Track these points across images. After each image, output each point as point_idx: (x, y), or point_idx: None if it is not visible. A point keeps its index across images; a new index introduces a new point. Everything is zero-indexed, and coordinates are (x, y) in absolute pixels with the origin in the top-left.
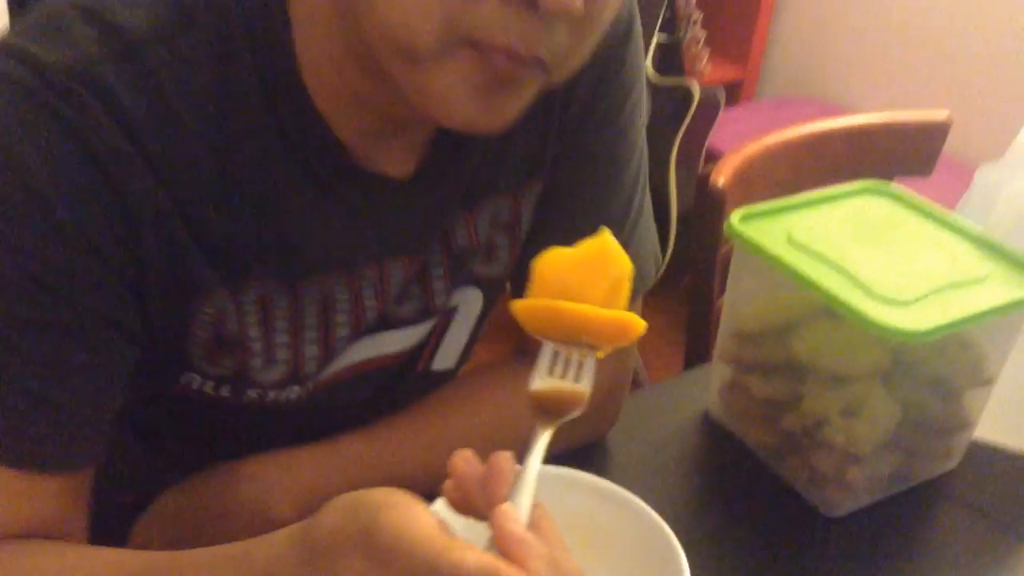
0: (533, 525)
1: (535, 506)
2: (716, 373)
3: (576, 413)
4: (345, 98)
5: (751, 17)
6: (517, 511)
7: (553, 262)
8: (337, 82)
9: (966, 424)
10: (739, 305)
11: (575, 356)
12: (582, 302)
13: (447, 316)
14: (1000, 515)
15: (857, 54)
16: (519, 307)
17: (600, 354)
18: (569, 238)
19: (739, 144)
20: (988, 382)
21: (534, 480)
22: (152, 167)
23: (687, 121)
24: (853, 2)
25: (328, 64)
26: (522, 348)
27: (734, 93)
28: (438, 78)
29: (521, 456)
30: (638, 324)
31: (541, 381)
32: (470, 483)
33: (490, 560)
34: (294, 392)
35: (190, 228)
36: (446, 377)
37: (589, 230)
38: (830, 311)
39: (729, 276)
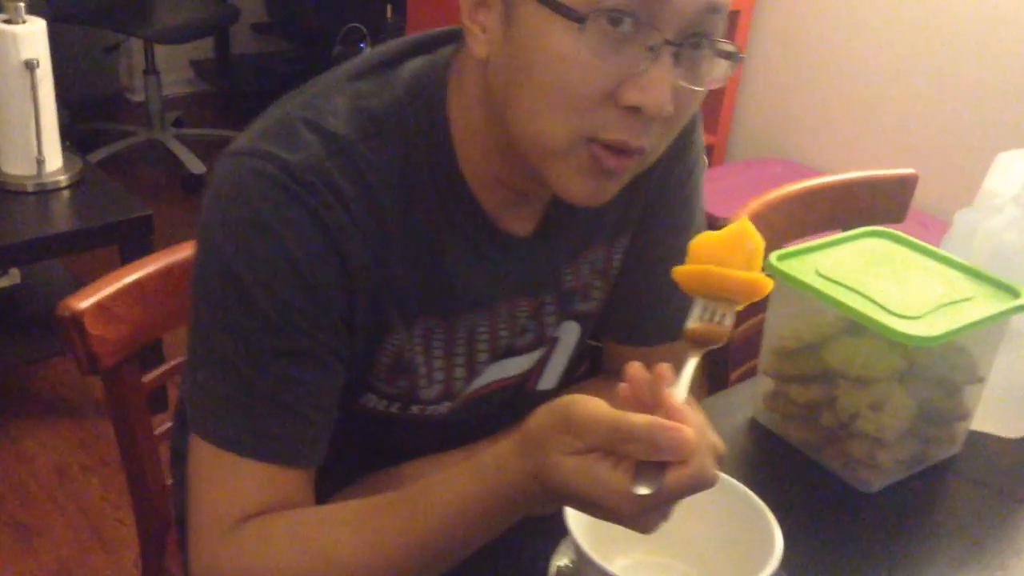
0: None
1: (688, 402)
2: (760, 385)
3: (717, 345)
4: (490, 179)
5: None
6: (678, 393)
7: (704, 240)
8: (484, 168)
9: (966, 415)
10: (778, 328)
11: (719, 309)
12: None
13: (551, 345)
14: (997, 485)
15: (815, 117)
16: (678, 272)
17: (739, 307)
18: (648, 279)
19: (715, 202)
20: (980, 380)
21: (687, 384)
22: (362, 235)
23: None
24: (811, 71)
25: (479, 155)
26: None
27: (707, 156)
28: (563, 169)
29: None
30: (767, 284)
31: (693, 323)
32: (641, 383)
33: (654, 419)
34: (445, 407)
35: (384, 279)
36: (548, 396)
37: (664, 273)
38: (854, 327)
39: (768, 305)
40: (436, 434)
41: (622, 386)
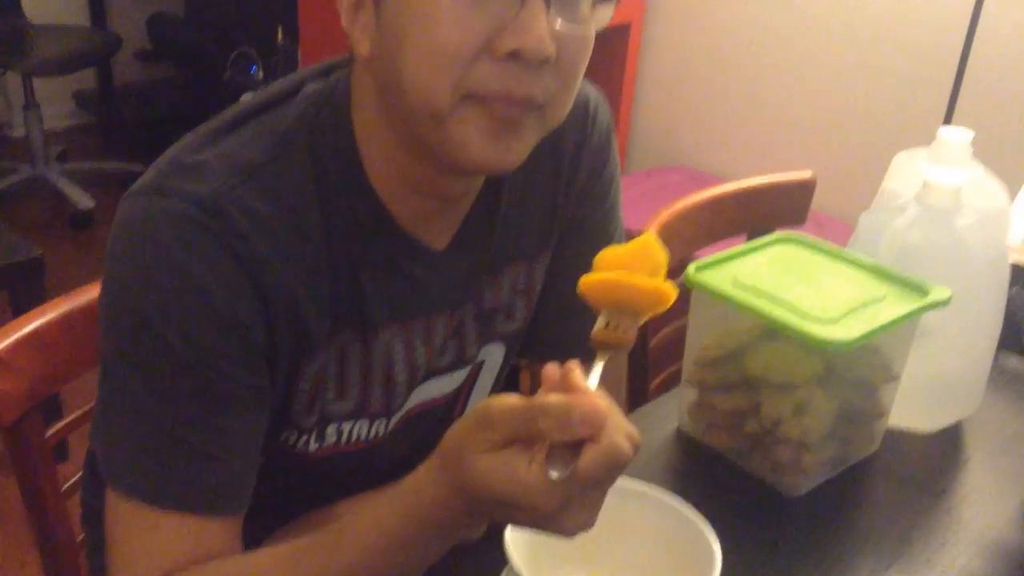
0: None
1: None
2: (684, 395)
3: (621, 352)
4: (400, 187)
5: (615, 99)
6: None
7: (610, 253)
8: (393, 172)
9: (883, 413)
10: (699, 337)
11: (623, 323)
12: None
13: (476, 368)
14: (917, 479)
15: (710, 124)
16: (585, 280)
17: (643, 320)
18: (572, 295)
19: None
20: (896, 378)
21: (596, 380)
22: (281, 258)
23: None
24: (704, 79)
25: (384, 162)
26: None
27: None
28: (456, 131)
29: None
30: (672, 293)
31: (598, 332)
32: (555, 381)
33: (564, 395)
34: (365, 430)
35: (305, 299)
36: None
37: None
38: (773, 333)
39: (689, 316)
40: (365, 468)
41: (541, 390)
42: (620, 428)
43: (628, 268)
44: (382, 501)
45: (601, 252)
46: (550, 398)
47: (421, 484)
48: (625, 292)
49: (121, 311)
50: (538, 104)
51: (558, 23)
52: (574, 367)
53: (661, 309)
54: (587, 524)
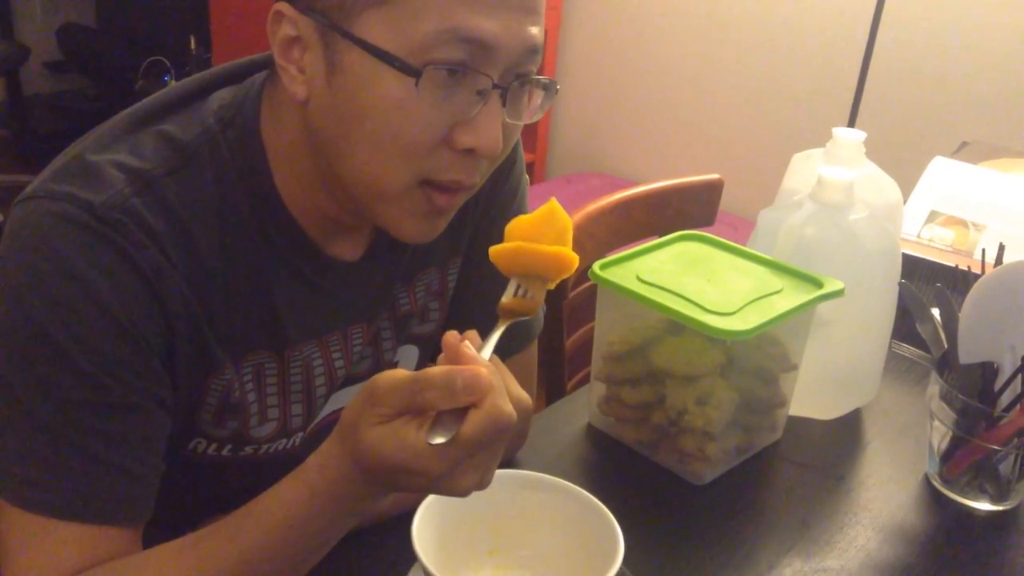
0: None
1: (493, 361)
2: (594, 391)
3: (528, 316)
4: (314, 211)
5: None
6: (475, 350)
7: (518, 222)
8: (308, 200)
9: (784, 402)
10: (606, 333)
11: (531, 289)
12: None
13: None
14: (818, 465)
15: (626, 131)
16: (494, 250)
17: (551, 285)
18: (483, 296)
19: None
20: (795, 368)
21: (492, 345)
22: (178, 272)
23: None
24: (619, 89)
25: (300, 189)
26: None
27: (528, 173)
28: (397, 211)
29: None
30: (574, 258)
31: (507, 299)
32: (455, 348)
33: (448, 366)
34: (282, 444)
35: (206, 316)
36: None
37: (497, 290)
38: (676, 327)
39: (596, 313)
40: (275, 473)
41: (441, 356)
42: (505, 393)
43: (535, 235)
44: (287, 483)
45: (512, 221)
46: (434, 370)
47: (324, 461)
48: (531, 258)
49: (14, 319)
50: (472, 188)
51: (506, 118)
52: (472, 335)
53: (566, 274)
54: (480, 485)
